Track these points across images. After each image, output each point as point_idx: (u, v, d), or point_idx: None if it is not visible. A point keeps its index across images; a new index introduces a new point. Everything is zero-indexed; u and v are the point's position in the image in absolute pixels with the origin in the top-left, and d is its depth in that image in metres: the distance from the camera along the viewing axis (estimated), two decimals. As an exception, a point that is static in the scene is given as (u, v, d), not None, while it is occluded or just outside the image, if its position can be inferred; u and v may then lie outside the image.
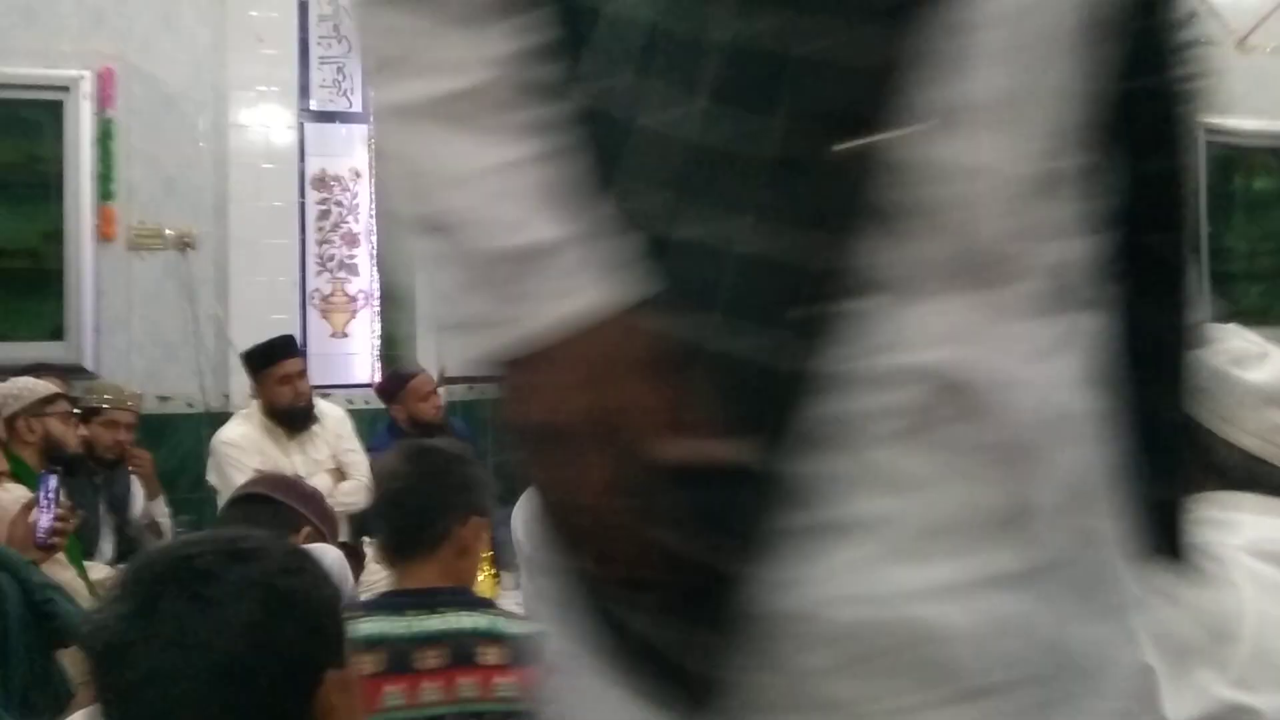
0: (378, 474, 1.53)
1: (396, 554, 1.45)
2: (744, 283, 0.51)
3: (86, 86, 4.04)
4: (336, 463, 3.51)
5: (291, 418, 3.34)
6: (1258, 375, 1.01)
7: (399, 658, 1.31)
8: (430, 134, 0.53)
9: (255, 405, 3.44)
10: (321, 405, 3.55)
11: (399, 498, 1.45)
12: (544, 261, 0.51)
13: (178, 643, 0.74)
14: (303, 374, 3.41)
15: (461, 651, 1.34)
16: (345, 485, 3.40)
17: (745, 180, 0.51)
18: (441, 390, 3.91)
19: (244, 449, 3.29)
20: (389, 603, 1.42)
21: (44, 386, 2.64)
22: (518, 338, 0.51)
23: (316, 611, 0.81)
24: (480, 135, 0.52)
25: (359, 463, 3.51)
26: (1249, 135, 5.12)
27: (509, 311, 0.51)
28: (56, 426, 2.56)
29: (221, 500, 3.25)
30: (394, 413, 3.84)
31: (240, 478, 3.16)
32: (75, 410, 2.87)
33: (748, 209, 0.51)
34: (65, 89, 4.03)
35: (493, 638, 1.37)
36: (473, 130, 0.52)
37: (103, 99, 4.08)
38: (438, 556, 1.42)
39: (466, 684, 1.32)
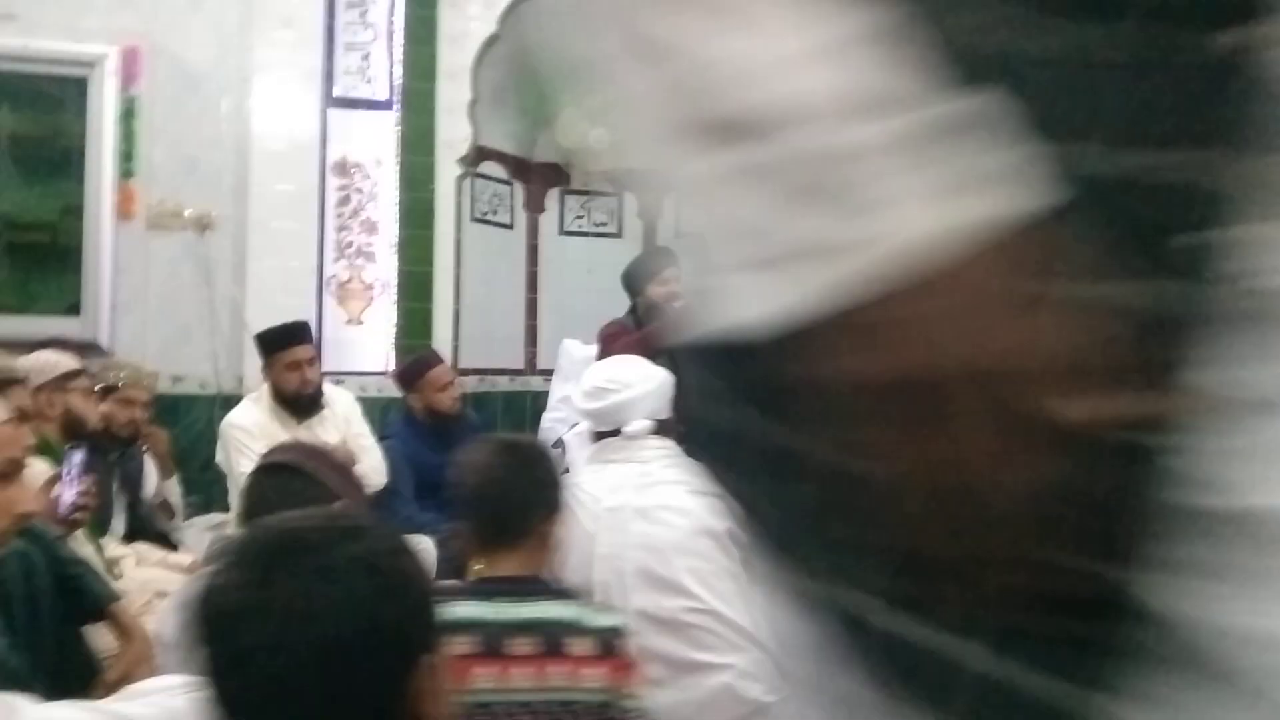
0: (463, 465, 1.55)
1: (485, 543, 1.49)
2: (1123, 207, 0.40)
3: (112, 64, 4.04)
4: (345, 448, 3.50)
5: (298, 403, 3.32)
6: None
7: (490, 642, 1.34)
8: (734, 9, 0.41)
9: (265, 389, 3.42)
10: (330, 390, 3.53)
11: (491, 489, 1.50)
12: (906, 160, 0.39)
13: (294, 614, 0.74)
14: (312, 361, 3.39)
15: (551, 641, 1.37)
16: (361, 467, 3.40)
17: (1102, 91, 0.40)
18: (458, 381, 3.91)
19: (251, 433, 3.27)
20: (479, 589, 1.45)
21: (66, 362, 2.63)
22: (869, 265, 0.39)
23: (418, 594, 0.81)
24: (802, 5, 0.40)
25: (369, 448, 3.50)
26: None
27: (855, 230, 0.39)
28: (78, 402, 2.55)
29: (231, 483, 3.24)
30: (410, 401, 3.83)
31: (245, 463, 3.15)
32: (96, 387, 2.86)
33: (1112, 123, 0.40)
34: (90, 65, 4.02)
35: (581, 629, 1.40)
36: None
37: (127, 77, 4.08)
38: (524, 547, 1.47)
39: (556, 673, 1.34)
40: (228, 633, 0.76)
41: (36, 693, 1.34)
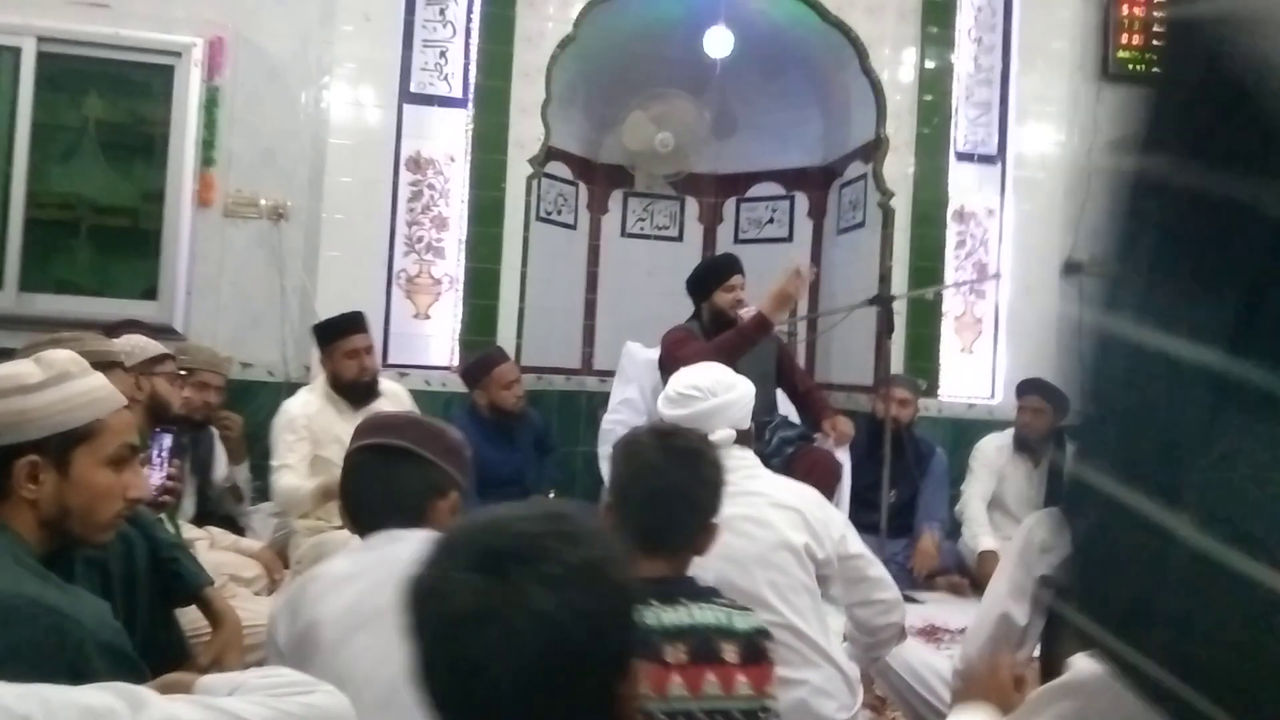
0: (629, 463, 1.50)
1: (645, 546, 1.45)
2: None
3: (197, 54, 4.12)
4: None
5: (355, 391, 3.34)
6: None
7: (650, 648, 1.32)
8: None
9: (321, 378, 3.46)
10: (384, 382, 3.56)
11: (662, 495, 1.46)
12: None
13: (529, 619, 0.75)
14: (369, 350, 3.43)
15: (704, 647, 1.35)
16: None
17: None
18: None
19: (295, 425, 3.28)
20: None
21: (154, 346, 2.69)
22: None
23: (629, 600, 0.82)
24: None
25: None
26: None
27: None
28: (163, 386, 2.60)
29: (273, 465, 3.26)
30: (475, 397, 3.87)
31: (281, 447, 3.19)
32: (181, 371, 2.92)
33: None
34: (177, 54, 4.11)
35: (729, 633, 1.39)
36: None
37: (211, 67, 4.16)
38: (682, 551, 1.45)
39: (710, 681, 1.33)
40: (462, 635, 0.76)
41: (146, 676, 1.38)
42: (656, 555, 1.45)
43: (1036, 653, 2.10)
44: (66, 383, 1.36)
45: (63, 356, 1.39)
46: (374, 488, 1.55)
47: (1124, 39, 4.87)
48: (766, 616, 1.94)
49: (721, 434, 2.01)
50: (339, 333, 3.38)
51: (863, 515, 3.93)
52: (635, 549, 1.45)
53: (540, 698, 0.75)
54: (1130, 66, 4.87)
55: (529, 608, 0.75)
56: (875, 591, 2.10)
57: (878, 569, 2.11)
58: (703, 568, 1.96)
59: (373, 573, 1.42)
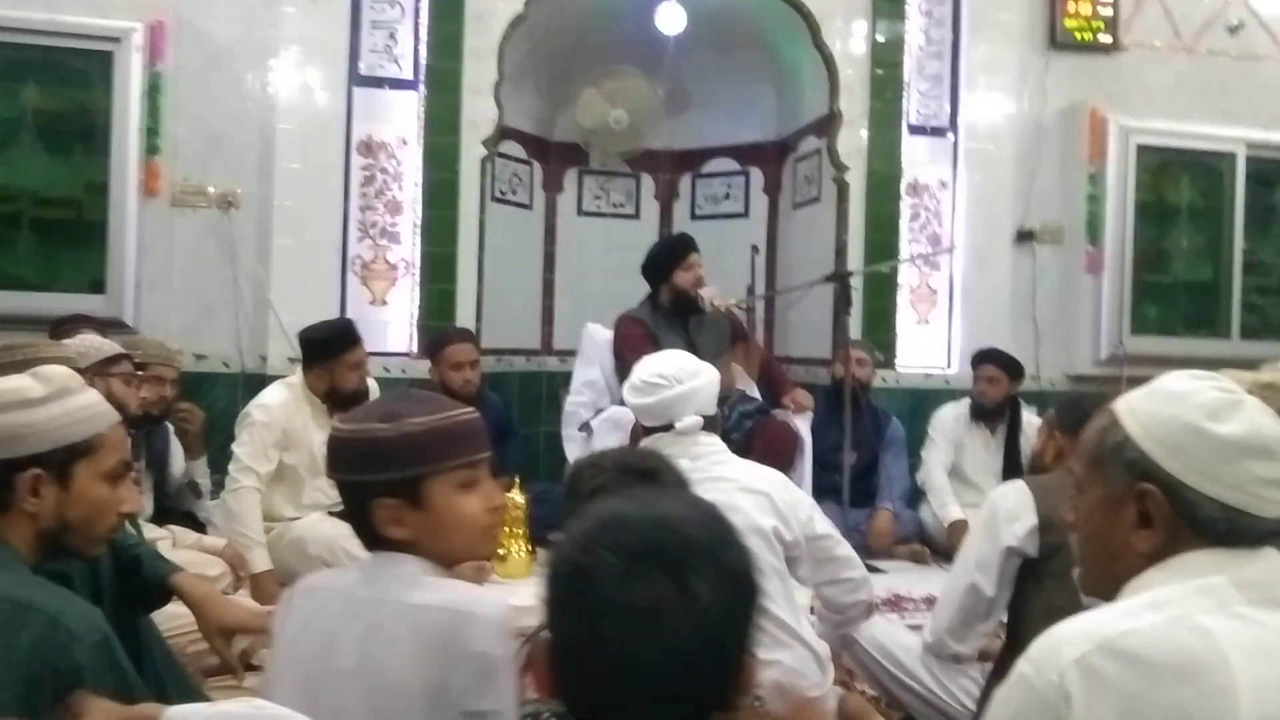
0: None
1: None
2: None
3: (138, 39, 4.00)
4: None
5: (352, 401, 3.21)
6: (1231, 428, 1.01)
7: None
8: None
9: (299, 379, 3.38)
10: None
11: None
12: None
13: (695, 615, 0.78)
14: (366, 358, 3.42)
15: None
16: None
17: None
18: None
19: (275, 425, 3.24)
20: None
21: (109, 346, 2.63)
22: None
23: (757, 595, 0.86)
24: None
25: None
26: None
27: None
28: (119, 388, 2.54)
29: (236, 469, 3.17)
30: (430, 375, 3.87)
31: (254, 450, 3.14)
32: (138, 371, 2.87)
33: None
34: (116, 40, 3.99)
35: None
36: None
37: (153, 52, 4.05)
38: None
39: None
40: (629, 627, 0.78)
41: (135, 683, 1.37)
42: None
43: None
44: (68, 397, 1.39)
45: (61, 372, 1.43)
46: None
47: (1070, 8, 4.92)
48: (737, 600, 1.98)
49: (688, 420, 2.02)
50: (341, 347, 3.34)
51: (825, 478, 4.00)
52: None
53: (688, 688, 0.79)
54: (1077, 35, 4.93)
55: (696, 607, 0.78)
56: (843, 570, 2.14)
57: (844, 548, 2.14)
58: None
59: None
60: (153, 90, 4.05)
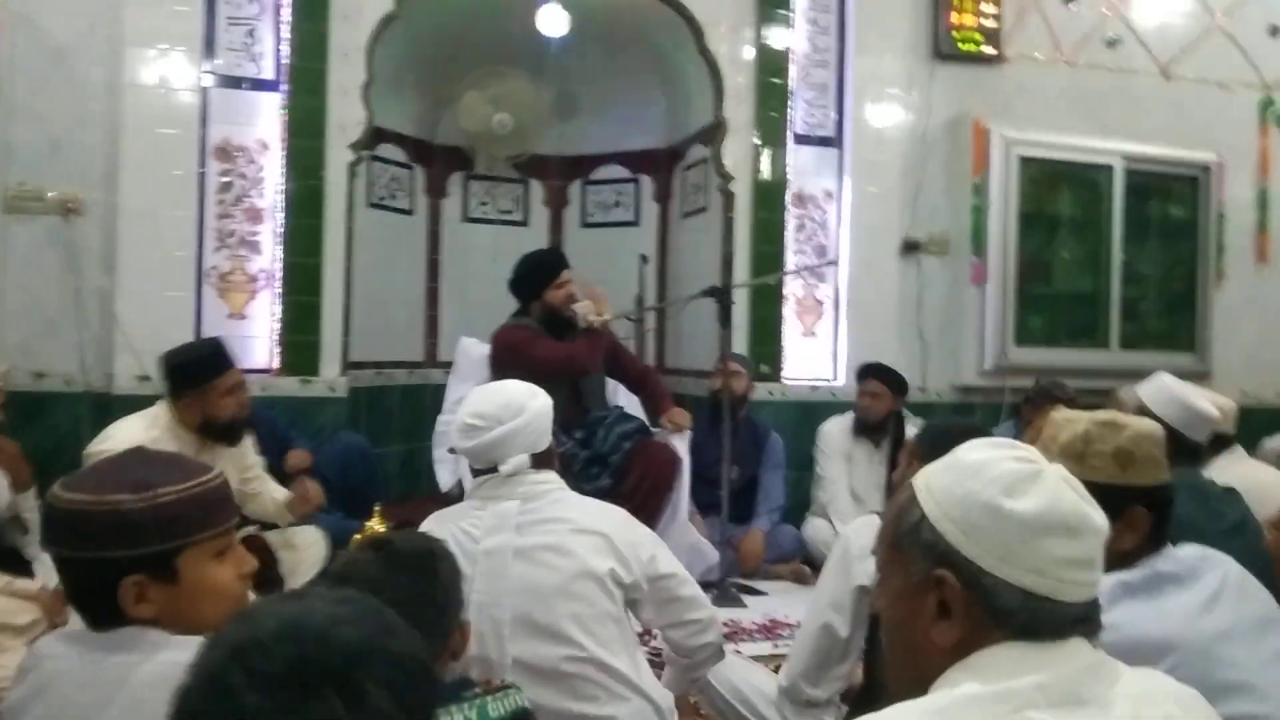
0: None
1: None
2: None
3: (-36, 32, 3.70)
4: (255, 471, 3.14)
5: (231, 431, 2.92)
6: (1027, 504, 0.90)
7: None
8: None
9: (164, 414, 2.86)
10: None
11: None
12: None
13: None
14: (244, 382, 2.98)
15: None
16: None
17: None
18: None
19: None
20: None
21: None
22: None
23: (431, 683, 0.78)
24: None
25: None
26: (1169, 163, 5.21)
27: None
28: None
29: None
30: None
31: None
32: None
33: None
34: (-61, 33, 3.68)
35: None
36: None
37: (-17, 47, 3.74)
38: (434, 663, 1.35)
39: None
40: None
41: None
42: None
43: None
44: None
45: None
46: None
47: (954, 19, 4.91)
48: (568, 651, 1.83)
49: (514, 462, 1.87)
50: (214, 371, 2.86)
51: (706, 493, 3.90)
52: None
53: None
54: (961, 46, 4.92)
55: (380, 715, 0.68)
56: (688, 612, 2.01)
57: (690, 588, 2.01)
58: (498, 605, 1.84)
59: None
60: (-16, 89, 3.75)
